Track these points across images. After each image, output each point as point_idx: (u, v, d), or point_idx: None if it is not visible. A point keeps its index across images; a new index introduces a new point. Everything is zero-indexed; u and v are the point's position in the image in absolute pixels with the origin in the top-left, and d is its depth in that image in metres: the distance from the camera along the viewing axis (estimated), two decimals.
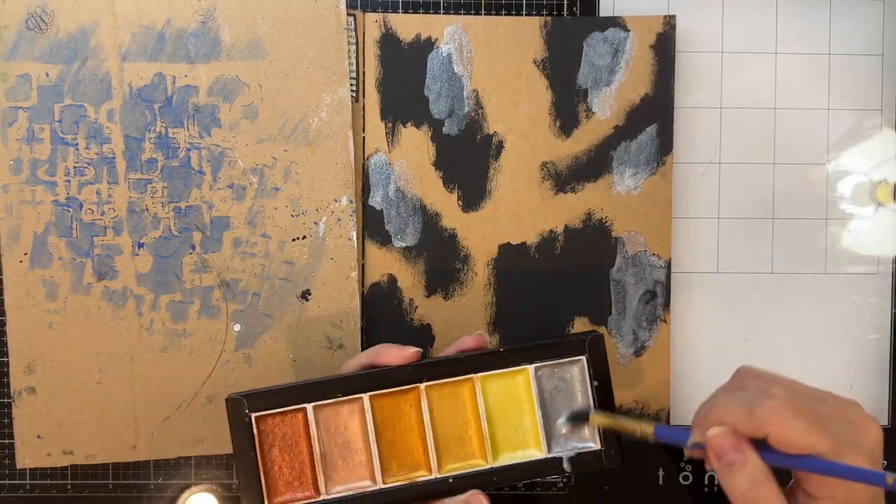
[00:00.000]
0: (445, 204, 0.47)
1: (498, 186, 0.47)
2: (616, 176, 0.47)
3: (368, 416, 0.36)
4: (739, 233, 0.49)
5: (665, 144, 0.47)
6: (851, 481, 0.30)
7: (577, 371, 0.38)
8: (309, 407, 0.36)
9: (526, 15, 0.48)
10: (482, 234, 0.47)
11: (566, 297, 0.47)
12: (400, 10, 0.47)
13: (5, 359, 0.46)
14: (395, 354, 0.37)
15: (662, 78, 0.47)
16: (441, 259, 0.47)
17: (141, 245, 0.46)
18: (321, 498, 0.36)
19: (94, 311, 0.45)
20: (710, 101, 0.48)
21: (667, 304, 0.47)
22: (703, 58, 0.48)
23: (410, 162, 0.47)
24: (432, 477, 0.37)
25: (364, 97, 0.46)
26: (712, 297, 0.49)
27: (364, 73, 0.46)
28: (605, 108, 0.47)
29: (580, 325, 0.47)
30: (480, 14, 0.47)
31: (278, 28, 0.45)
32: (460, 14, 0.47)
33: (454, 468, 0.37)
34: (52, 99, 0.45)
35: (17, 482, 0.47)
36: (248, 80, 0.45)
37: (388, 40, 0.46)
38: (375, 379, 0.37)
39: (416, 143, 0.47)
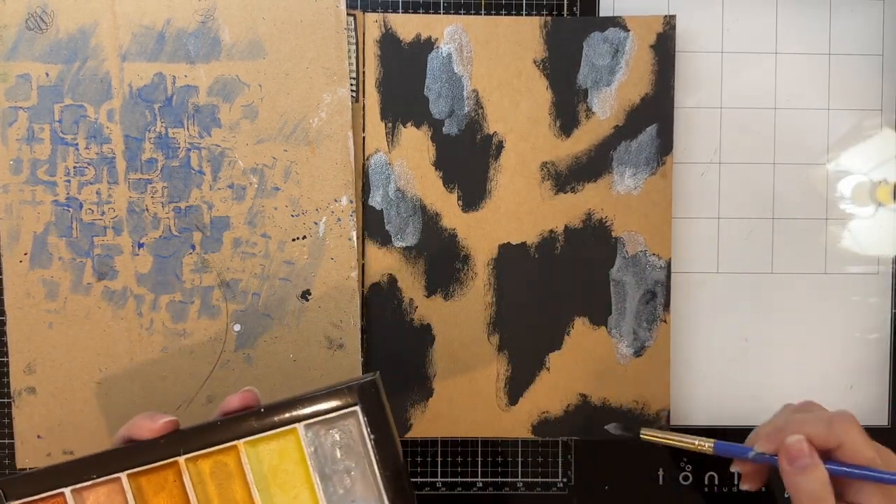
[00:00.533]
0: (445, 204, 0.47)
1: (498, 186, 0.47)
2: (616, 176, 0.47)
3: (129, 496, 0.33)
4: (739, 233, 0.49)
5: (665, 144, 0.47)
6: (891, 487, 0.35)
7: (353, 423, 0.34)
8: (67, 491, 0.33)
9: (526, 15, 0.48)
10: (482, 234, 0.47)
11: (566, 297, 0.47)
12: (400, 10, 0.47)
13: (5, 359, 0.46)
14: (145, 427, 0.34)
15: (662, 78, 0.47)
16: (441, 259, 0.47)
17: (141, 245, 0.46)
18: None
19: (94, 311, 0.45)
20: (710, 101, 0.48)
21: (667, 304, 0.47)
22: (703, 58, 0.48)
23: (410, 162, 0.47)
24: None
25: (364, 97, 0.46)
26: (712, 297, 0.49)
27: (364, 73, 0.46)
28: (605, 108, 0.47)
29: (580, 324, 0.47)
30: (480, 14, 0.47)
31: (278, 28, 0.45)
32: (460, 14, 0.47)
33: None
34: (52, 99, 0.45)
35: None
36: (248, 80, 0.45)
37: (388, 40, 0.46)
38: (131, 455, 0.33)
39: (416, 143, 0.47)
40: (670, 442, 0.42)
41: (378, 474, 0.33)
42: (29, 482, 0.34)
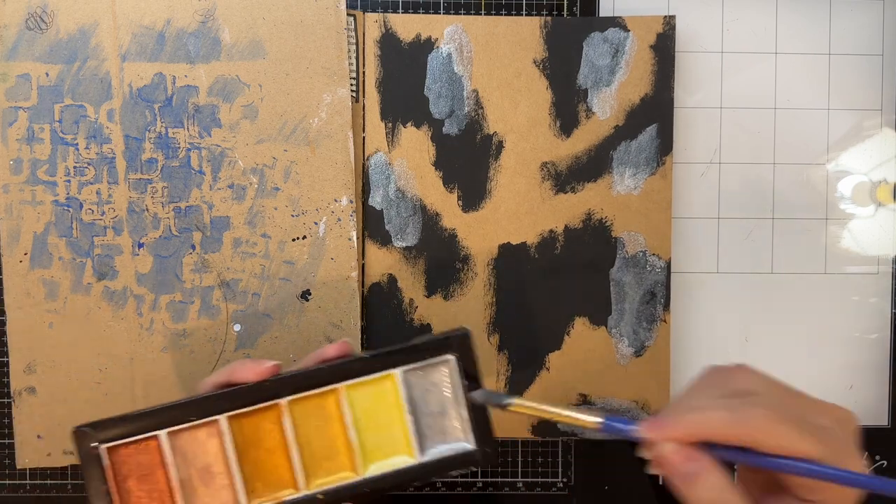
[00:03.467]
0: (445, 204, 0.47)
1: (498, 186, 0.47)
2: (616, 176, 0.47)
3: (227, 437, 0.35)
4: (739, 233, 0.49)
5: (665, 144, 0.47)
6: (851, 487, 0.29)
7: (446, 372, 0.36)
8: (162, 434, 0.34)
9: (526, 15, 0.48)
10: (482, 234, 0.47)
11: (566, 298, 0.47)
12: (400, 10, 0.47)
13: (5, 359, 0.46)
14: (250, 369, 0.35)
15: (662, 78, 0.47)
16: (441, 259, 0.47)
17: (141, 245, 0.46)
18: None
19: (94, 311, 0.45)
20: (710, 101, 0.48)
21: (667, 304, 0.47)
22: (703, 58, 0.48)
23: (410, 162, 0.47)
24: (300, 494, 0.35)
25: (364, 97, 0.46)
26: (712, 297, 0.49)
27: (364, 73, 0.46)
28: (605, 108, 0.47)
29: (580, 325, 0.47)
30: (480, 14, 0.47)
31: (278, 28, 0.45)
32: (460, 14, 0.47)
33: (323, 483, 0.35)
34: (53, 99, 0.45)
35: (17, 482, 0.47)
36: (248, 80, 0.45)
37: (388, 40, 0.46)
38: (231, 398, 0.35)
39: (416, 143, 0.47)
40: (548, 416, 0.33)
41: (467, 418, 0.35)
42: (123, 425, 0.34)
